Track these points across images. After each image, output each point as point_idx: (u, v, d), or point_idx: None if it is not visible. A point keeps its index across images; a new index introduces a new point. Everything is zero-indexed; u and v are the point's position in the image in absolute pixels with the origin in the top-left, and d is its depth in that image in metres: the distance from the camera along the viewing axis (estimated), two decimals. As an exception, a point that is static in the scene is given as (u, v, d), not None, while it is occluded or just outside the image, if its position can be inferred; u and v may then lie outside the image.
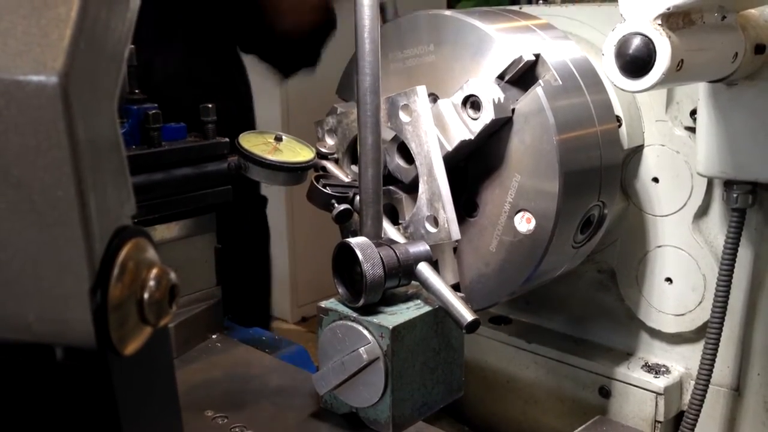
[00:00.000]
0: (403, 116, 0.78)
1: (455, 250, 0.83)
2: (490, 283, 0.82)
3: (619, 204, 0.93)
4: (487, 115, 0.76)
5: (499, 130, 0.79)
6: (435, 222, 0.77)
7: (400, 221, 0.81)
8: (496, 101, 0.76)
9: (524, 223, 0.78)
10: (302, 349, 1.01)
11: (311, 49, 1.27)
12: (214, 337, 0.92)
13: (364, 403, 0.68)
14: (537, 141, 0.77)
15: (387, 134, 0.80)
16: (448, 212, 0.76)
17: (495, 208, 0.80)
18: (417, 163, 0.78)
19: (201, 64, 1.25)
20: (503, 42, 0.79)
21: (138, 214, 0.40)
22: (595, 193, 0.83)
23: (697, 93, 0.83)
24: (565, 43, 0.84)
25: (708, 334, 0.85)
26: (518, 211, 0.78)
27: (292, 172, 0.83)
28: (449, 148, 0.78)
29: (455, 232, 0.76)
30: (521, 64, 0.77)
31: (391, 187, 0.83)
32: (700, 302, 0.91)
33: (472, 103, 0.78)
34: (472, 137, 0.77)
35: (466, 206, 0.82)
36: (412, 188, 0.81)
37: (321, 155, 0.86)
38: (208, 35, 1.26)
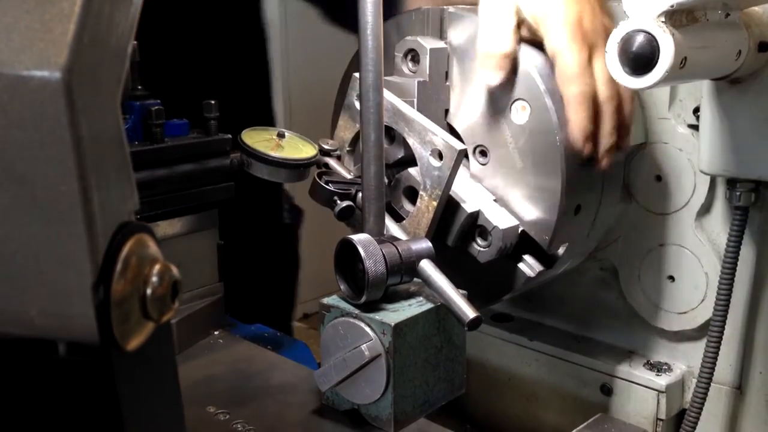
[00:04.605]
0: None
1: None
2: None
3: (622, 202, 0.93)
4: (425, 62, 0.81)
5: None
6: (438, 154, 0.76)
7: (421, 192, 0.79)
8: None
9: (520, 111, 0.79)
10: (304, 346, 1.01)
11: None
12: (216, 333, 0.92)
13: (366, 400, 0.68)
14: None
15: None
16: (440, 134, 0.76)
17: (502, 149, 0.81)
18: (391, 124, 0.78)
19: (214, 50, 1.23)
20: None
21: (140, 210, 0.40)
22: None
23: (700, 91, 0.83)
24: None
25: (710, 332, 0.85)
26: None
27: (295, 169, 0.83)
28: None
29: (458, 144, 0.75)
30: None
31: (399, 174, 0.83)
32: (703, 300, 0.91)
33: (412, 56, 0.82)
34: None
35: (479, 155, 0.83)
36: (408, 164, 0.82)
37: (324, 152, 0.86)
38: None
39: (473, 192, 0.81)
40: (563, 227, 0.79)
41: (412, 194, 0.81)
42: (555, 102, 0.76)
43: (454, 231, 0.79)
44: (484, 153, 0.82)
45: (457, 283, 0.68)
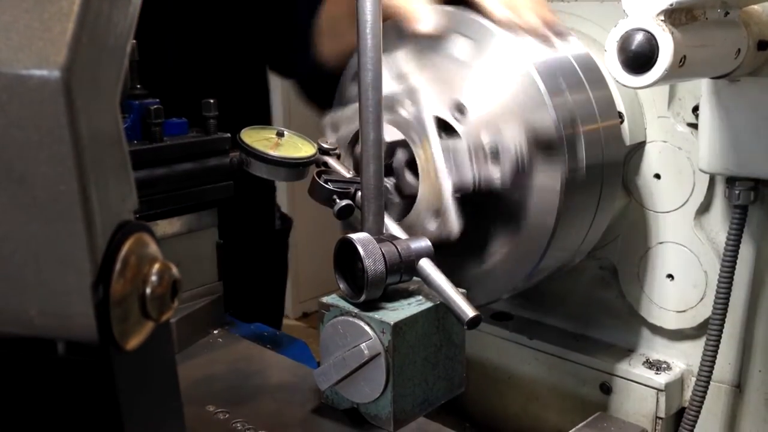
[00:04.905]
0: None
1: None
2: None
3: (621, 200, 0.93)
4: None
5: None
6: (405, 104, 0.77)
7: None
8: None
9: None
10: (303, 345, 1.01)
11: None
12: (215, 332, 0.92)
13: (365, 399, 0.68)
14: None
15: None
16: (397, 89, 0.78)
17: None
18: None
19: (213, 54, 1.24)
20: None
21: (139, 209, 0.40)
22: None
23: (699, 89, 0.83)
24: (567, 39, 0.84)
25: (709, 330, 0.85)
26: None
27: (294, 168, 0.83)
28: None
29: (417, 81, 0.77)
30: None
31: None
32: (702, 299, 0.91)
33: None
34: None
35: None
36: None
37: (323, 151, 0.86)
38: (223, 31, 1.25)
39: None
40: (559, 111, 0.77)
41: (414, 167, 0.81)
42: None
43: (468, 171, 0.78)
44: (460, 109, 0.79)
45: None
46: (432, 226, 0.77)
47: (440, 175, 0.76)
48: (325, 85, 1.11)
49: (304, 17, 1.14)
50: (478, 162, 0.79)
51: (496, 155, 0.78)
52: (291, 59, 1.22)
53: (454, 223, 0.77)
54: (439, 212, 0.77)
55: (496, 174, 0.78)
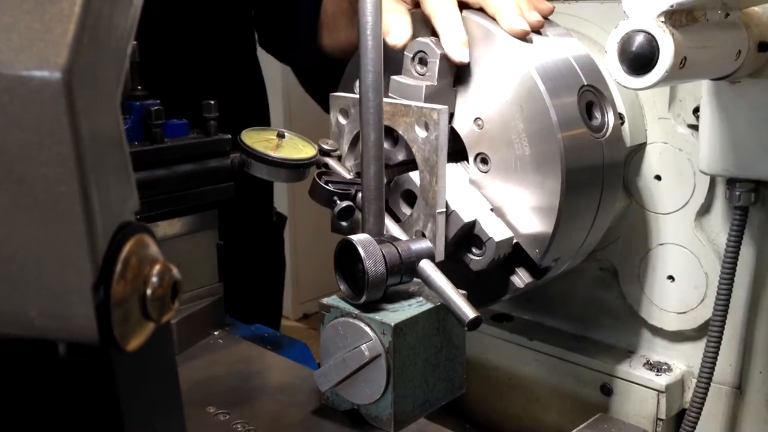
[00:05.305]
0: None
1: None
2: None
3: (622, 202, 0.93)
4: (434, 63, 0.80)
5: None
6: (425, 126, 0.76)
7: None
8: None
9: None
10: (304, 346, 1.01)
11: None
12: (215, 333, 0.92)
13: (366, 400, 0.68)
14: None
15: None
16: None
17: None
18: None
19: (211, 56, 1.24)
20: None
21: (140, 210, 0.40)
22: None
23: (699, 90, 0.83)
24: (567, 40, 0.84)
25: (710, 332, 0.85)
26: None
27: (294, 169, 0.83)
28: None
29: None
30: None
31: (398, 177, 0.84)
32: (702, 300, 0.91)
33: (420, 58, 0.81)
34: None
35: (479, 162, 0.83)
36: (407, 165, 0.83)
37: (323, 152, 0.86)
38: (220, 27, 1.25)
39: (470, 200, 0.81)
40: (557, 243, 0.79)
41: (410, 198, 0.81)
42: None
43: (449, 239, 0.79)
44: (485, 161, 0.82)
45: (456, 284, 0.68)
46: (424, 132, 0.77)
47: (403, 102, 0.78)
48: (323, 76, 1.12)
49: (306, 10, 1.15)
50: (460, 243, 0.81)
51: (480, 246, 0.80)
52: (290, 47, 1.23)
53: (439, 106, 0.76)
54: (424, 122, 0.77)
55: (469, 259, 0.81)
